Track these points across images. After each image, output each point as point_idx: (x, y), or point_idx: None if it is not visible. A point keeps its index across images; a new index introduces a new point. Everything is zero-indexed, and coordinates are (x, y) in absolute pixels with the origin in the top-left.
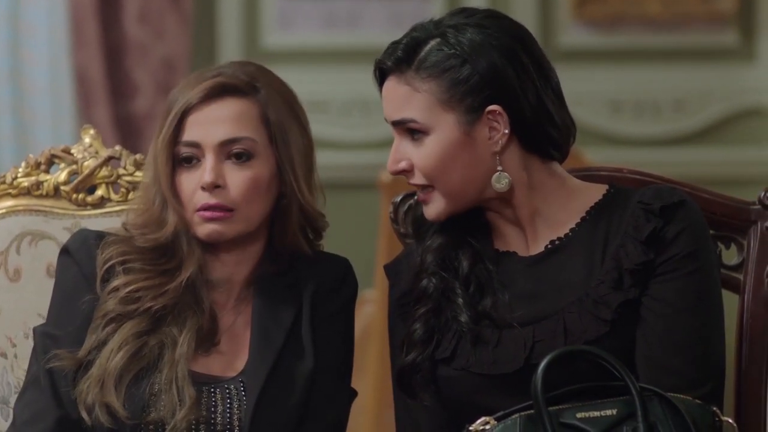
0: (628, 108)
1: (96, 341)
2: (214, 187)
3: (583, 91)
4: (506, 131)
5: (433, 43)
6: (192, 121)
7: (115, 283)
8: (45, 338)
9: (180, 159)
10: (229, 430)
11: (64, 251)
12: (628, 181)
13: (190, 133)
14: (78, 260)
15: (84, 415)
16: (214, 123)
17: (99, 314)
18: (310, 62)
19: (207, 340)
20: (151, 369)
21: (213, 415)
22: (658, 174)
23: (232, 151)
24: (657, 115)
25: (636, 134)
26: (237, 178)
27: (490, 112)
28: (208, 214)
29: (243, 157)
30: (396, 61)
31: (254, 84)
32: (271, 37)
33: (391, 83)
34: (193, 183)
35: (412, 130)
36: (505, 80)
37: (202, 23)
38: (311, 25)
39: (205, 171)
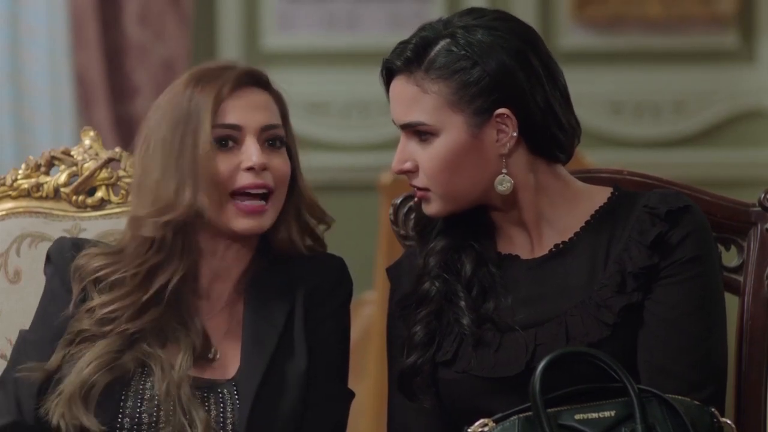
0: (628, 109)
1: (65, 357)
2: (262, 169)
3: (583, 92)
4: (514, 134)
5: (443, 43)
6: (229, 105)
7: (91, 304)
8: (23, 343)
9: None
10: None
11: (47, 258)
12: (628, 183)
13: (229, 117)
14: (58, 269)
15: (55, 424)
16: (254, 108)
17: (72, 329)
18: (309, 64)
19: (201, 356)
20: (126, 381)
21: None
22: (658, 176)
23: (269, 137)
24: (657, 117)
25: (636, 136)
26: (276, 161)
27: (498, 115)
28: (248, 206)
29: (277, 143)
30: (405, 61)
31: (269, 79)
32: (271, 39)
33: (399, 83)
34: (232, 165)
35: (420, 132)
36: (514, 83)
37: (202, 24)
38: (311, 27)
39: (252, 153)
